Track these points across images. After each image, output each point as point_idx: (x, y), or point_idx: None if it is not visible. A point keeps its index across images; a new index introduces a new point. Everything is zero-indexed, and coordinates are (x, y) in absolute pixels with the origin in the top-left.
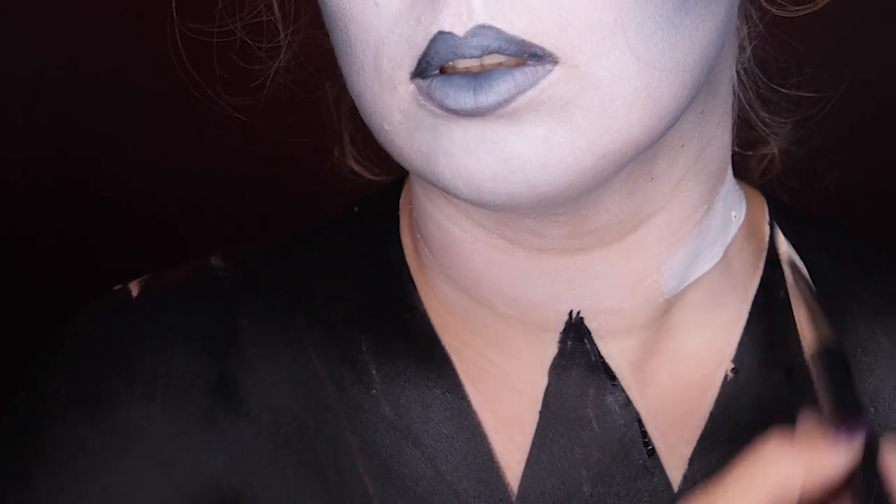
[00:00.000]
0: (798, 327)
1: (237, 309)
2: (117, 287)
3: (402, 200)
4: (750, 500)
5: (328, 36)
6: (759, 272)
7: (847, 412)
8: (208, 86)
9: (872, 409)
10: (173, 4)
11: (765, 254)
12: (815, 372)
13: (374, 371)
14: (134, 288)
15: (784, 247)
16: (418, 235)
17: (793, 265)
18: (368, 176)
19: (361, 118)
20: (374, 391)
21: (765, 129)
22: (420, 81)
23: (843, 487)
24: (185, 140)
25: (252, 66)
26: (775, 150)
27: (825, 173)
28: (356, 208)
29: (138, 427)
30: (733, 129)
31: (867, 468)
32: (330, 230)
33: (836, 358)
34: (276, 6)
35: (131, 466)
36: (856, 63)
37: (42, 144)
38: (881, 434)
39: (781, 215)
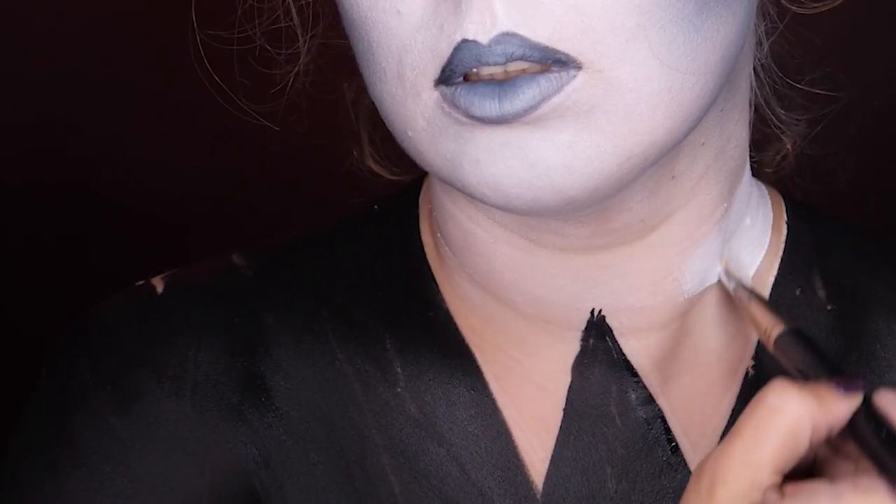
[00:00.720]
0: (756, 324)
1: (261, 306)
2: (140, 283)
3: (421, 199)
4: (764, 444)
5: (346, 40)
6: (775, 271)
7: (838, 375)
8: (225, 90)
9: None
10: (192, 12)
11: (781, 254)
12: (783, 354)
13: (398, 368)
14: (158, 284)
15: (723, 258)
16: (439, 235)
17: (728, 273)
18: (388, 176)
19: (380, 119)
20: (399, 389)
21: (779, 125)
22: (444, 88)
23: (845, 433)
24: (185, 140)
25: (270, 71)
26: (789, 147)
27: (837, 172)
28: (376, 207)
29: (167, 419)
30: (750, 126)
31: (870, 415)
32: (350, 229)
33: (801, 335)
34: (294, 12)
35: (161, 455)
36: (869, 62)
37: (42, 144)
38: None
39: (799, 215)
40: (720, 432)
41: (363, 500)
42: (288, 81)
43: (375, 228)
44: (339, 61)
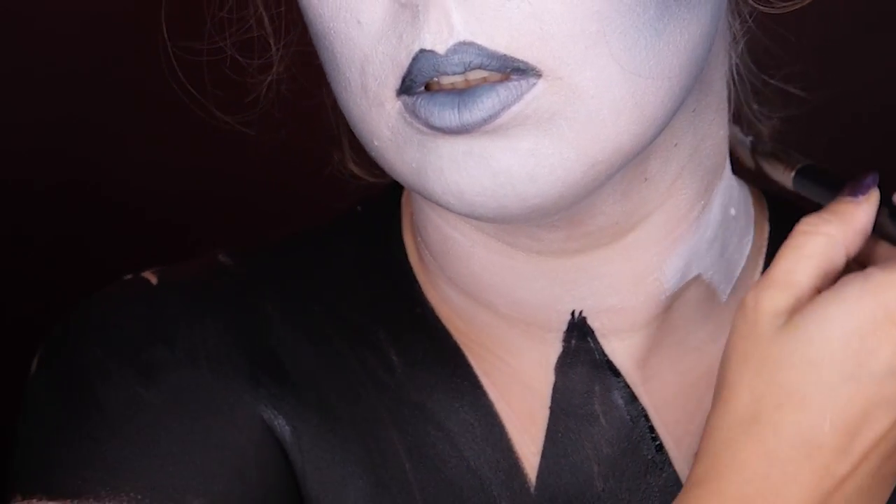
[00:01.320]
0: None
1: (257, 299)
2: (129, 276)
3: (403, 201)
4: (802, 265)
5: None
6: (760, 268)
7: (852, 181)
8: (205, 98)
9: None
10: (163, 25)
11: (765, 250)
12: (802, 188)
13: (394, 357)
14: (151, 277)
15: None
16: (419, 238)
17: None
18: (370, 179)
19: None
20: (397, 374)
21: (756, 122)
22: (406, 98)
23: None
24: (185, 140)
25: (245, 80)
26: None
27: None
28: (359, 207)
29: (190, 386)
30: (729, 124)
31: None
32: (333, 230)
33: (809, 168)
34: (266, 21)
35: (195, 417)
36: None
37: (42, 144)
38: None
39: (780, 212)
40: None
41: (381, 477)
42: (262, 91)
43: (359, 230)
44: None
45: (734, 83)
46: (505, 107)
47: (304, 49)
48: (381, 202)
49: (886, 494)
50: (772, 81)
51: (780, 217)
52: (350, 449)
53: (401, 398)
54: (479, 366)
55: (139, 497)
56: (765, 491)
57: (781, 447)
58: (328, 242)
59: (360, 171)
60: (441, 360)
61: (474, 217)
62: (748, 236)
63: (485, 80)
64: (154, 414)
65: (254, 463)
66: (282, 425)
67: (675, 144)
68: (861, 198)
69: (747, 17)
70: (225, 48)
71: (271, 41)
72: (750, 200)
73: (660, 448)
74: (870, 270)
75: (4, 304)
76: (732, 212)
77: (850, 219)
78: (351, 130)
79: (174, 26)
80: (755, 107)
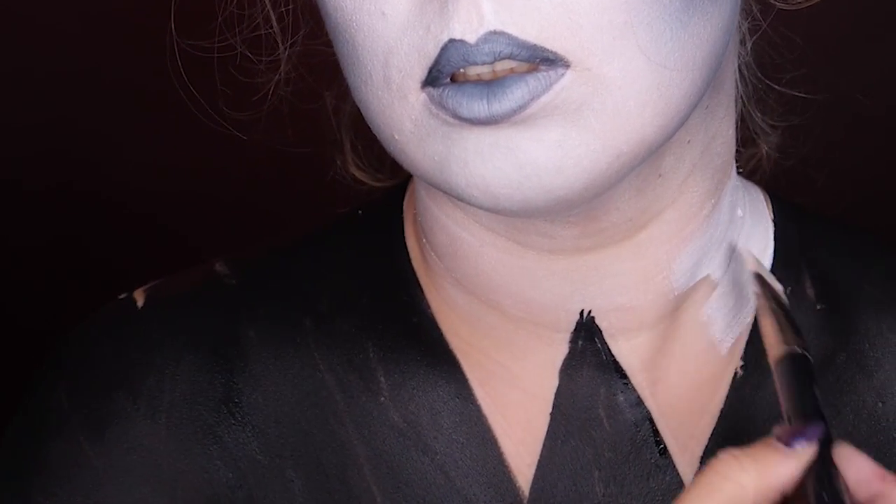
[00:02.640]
0: (764, 337)
1: (243, 318)
2: (122, 296)
3: (405, 204)
4: None
5: (328, 46)
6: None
7: (806, 419)
8: (207, 98)
9: (881, 404)
10: (172, 22)
11: (770, 251)
12: (777, 377)
13: (381, 378)
14: (139, 297)
15: (750, 258)
16: (424, 240)
17: (759, 277)
18: (372, 182)
19: (362, 126)
20: (382, 398)
21: (759, 126)
22: (431, 90)
23: (796, 494)
24: (185, 140)
25: (251, 80)
26: (764, 152)
27: (815, 176)
28: (360, 211)
29: (141, 444)
30: (737, 125)
31: (821, 475)
32: (335, 234)
33: (799, 362)
34: (274, 20)
35: (133, 484)
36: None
37: (42, 144)
38: (841, 439)
39: (786, 213)
40: (709, 433)
41: None
42: (269, 89)
43: (361, 234)
44: (324, 67)
45: (739, 84)
46: (534, 97)
47: (306, 50)
48: (383, 206)
49: None
50: (776, 87)
51: (785, 217)
52: (311, 496)
53: (383, 424)
54: (476, 375)
55: None
56: None
57: None
58: (328, 247)
59: (362, 176)
60: (433, 374)
61: (497, 210)
62: (754, 238)
63: (512, 70)
64: (93, 475)
65: None
66: (231, 485)
67: (689, 141)
68: (791, 450)
69: (757, 15)
70: (234, 45)
71: (279, 40)
72: (759, 203)
73: (663, 452)
74: None
75: (3, 304)
76: (739, 212)
77: (770, 473)
78: (352, 133)
79: (178, 26)
80: (758, 115)
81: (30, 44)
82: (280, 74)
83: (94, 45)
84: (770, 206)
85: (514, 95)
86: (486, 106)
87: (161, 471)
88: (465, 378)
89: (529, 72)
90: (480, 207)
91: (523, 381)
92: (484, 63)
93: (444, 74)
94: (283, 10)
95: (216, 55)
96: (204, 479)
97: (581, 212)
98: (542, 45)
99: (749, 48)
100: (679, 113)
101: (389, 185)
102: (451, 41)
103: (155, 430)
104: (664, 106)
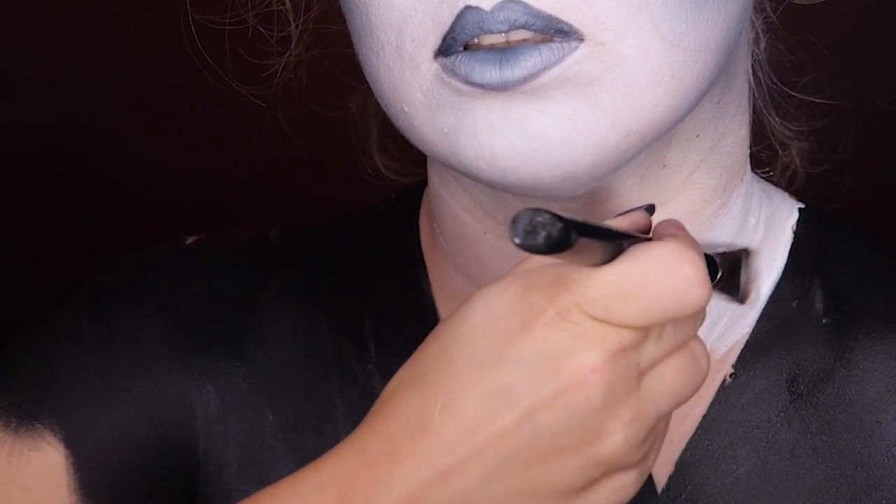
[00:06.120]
0: None
1: (269, 269)
2: (187, 238)
3: (425, 192)
4: None
5: (339, 27)
6: (772, 282)
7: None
8: (219, 80)
9: (878, 424)
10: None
11: (782, 263)
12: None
13: (372, 347)
14: (191, 238)
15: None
16: (435, 225)
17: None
18: (403, 180)
19: (387, 125)
20: (370, 366)
21: (781, 131)
22: (444, 59)
23: None
24: (184, 140)
25: (262, 62)
26: (797, 161)
27: (835, 185)
28: (393, 195)
29: (135, 334)
30: (750, 127)
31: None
32: (366, 217)
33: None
34: (288, 3)
35: (112, 355)
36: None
37: (41, 144)
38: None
39: (812, 225)
40: (687, 438)
41: (309, 458)
42: (278, 69)
43: (385, 216)
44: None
45: (752, 84)
46: (546, 67)
47: (312, 52)
48: (409, 193)
49: None
50: (792, 93)
51: (811, 228)
52: (282, 439)
53: (367, 391)
54: None
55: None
56: (362, 465)
57: (391, 425)
58: (358, 226)
59: (390, 173)
60: None
61: (503, 185)
62: (764, 249)
63: (525, 40)
64: (83, 344)
65: (149, 427)
66: (209, 396)
67: (697, 135)
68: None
69: (771, 12)
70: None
71: (290, 18)
72: (779, 213)
73: None
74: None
75: (3, 304)
76: (752, 221)
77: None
78: (379, 132)
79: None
80: (776, 120)
81: (30, 44)
82: (290, 56)
83: (94, 45)
84: (796, 217)
85: (526, 63)
86: (498, 71)
87: (142, 355)
88: None
89: (543, 42)
90: (487, 181)
91: None
92: (499, 31)
93: (458, 42)
94: None
95: (227, 27)
96: (188, 380)
97: (581, 196)
98: (557, 15)
99: (763, 48)
100: (689, 96)
101: (412, 181)
102: (467, 7)
103: (151, 328)
104: (676, 86)
